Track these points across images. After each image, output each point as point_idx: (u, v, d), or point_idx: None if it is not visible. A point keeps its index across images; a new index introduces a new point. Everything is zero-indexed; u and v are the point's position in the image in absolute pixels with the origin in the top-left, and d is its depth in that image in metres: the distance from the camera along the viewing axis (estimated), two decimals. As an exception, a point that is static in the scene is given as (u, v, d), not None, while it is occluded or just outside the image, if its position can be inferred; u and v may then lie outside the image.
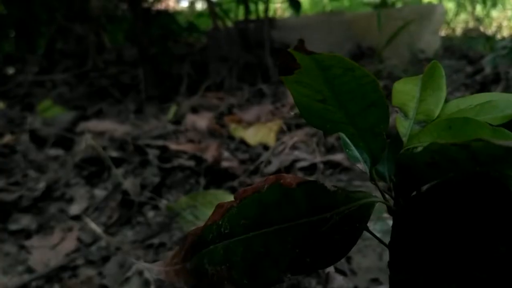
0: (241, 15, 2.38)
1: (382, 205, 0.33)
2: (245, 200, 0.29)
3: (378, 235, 0.36)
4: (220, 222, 0.29)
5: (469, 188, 0.27)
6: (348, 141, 0.37)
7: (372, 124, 0.27)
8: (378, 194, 0.33)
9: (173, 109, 1.78)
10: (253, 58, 2.13)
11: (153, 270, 0.31)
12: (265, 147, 1.33)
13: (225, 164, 1.18)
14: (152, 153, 1.26)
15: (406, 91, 0.34)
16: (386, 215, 0.80)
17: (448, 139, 0.26)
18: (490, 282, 0.24)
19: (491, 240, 0.24)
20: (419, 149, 0.29)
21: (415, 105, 0.33)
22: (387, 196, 0.34)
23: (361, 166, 0.36)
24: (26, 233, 0.95)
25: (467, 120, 0.25)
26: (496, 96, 0.30)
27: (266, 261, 0.26)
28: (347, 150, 0.37)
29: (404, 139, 0.31)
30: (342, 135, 0.37)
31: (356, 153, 0.36)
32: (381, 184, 0.35)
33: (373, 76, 0.25)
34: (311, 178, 0.31)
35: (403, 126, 0.32)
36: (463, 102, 0.31)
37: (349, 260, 0.75)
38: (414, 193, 0.31)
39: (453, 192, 0.27)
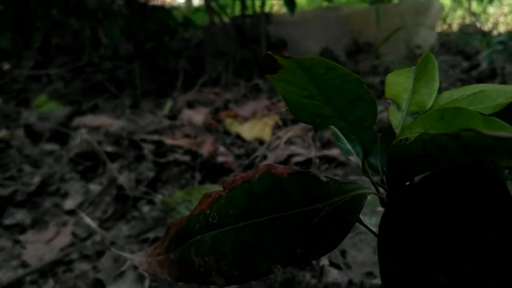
0: (237, 10, 2.38)
1: (376, 199, 0.33)
2: (235, 190, 0.28)
3: (373, 228, 0.36)
4: (208, 212, 0.28)
5: (462, 179, 0.26)
6: (340, 134, 0.37)
7: (360, 118, 0.27)
8: (372, 187, 0.33)
9: (169, 104, 1.77)
10: (250, 53, 2.12)
11: (134, 260, 0.30)
12: (261, 142, 1.32)
13: (220, 159, 1.17)
14: (148, 148, 1.25)
15: (399, 83, 0.34)
16: (380, 208, 0.80)
17: (440, 129, 0.26)
18: (479, 272, 0.23)
19: (481, 231, 0.24)
20: (412, 140, 0.29)
21: (408, 97, 0.33)
22: (380, 188, 0.34)
23: (353, 158, 0.36)
24: (21, 228, 0.95)
25: (459, 110, 0.25)
26: (488, 86, 0.29)
27: (256, 252, 0.26)
28: (339, 143, 0.36)
29: (397, 130, 0.31)
30: (334, 128, 0.37)
31: (348, 146, 0.36)
32: (375, 178, 0.35)
33: (356, 75, 0.25)
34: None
35: (396, 118, 0.32)
36: (456, 93, 0.31)
37: (344, 254, 0.75)
38: (407, 184, 0.30)
39: (445, 183, 0.27)
